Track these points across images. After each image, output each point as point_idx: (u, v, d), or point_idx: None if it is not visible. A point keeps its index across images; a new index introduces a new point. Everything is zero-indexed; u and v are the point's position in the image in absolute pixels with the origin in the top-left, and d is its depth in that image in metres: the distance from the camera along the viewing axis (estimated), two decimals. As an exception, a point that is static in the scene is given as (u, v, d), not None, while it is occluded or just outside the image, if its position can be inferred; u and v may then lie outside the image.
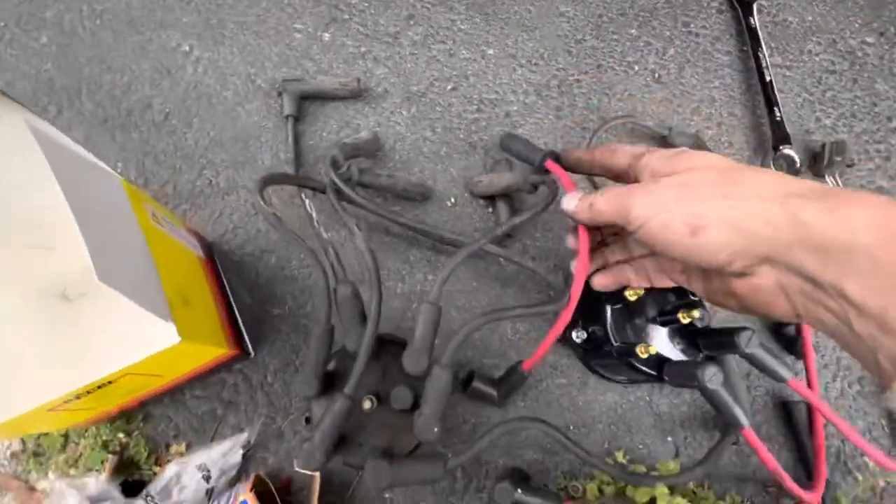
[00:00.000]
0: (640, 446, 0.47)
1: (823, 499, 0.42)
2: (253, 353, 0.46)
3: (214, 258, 0.48)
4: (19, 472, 0.42)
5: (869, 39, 0.72)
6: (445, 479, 0.34)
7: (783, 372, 0.36)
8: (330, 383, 0.38)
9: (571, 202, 0.31)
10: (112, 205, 0.34)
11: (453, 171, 0.55)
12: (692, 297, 0.41)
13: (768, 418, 0.49)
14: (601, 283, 0.32)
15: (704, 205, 0.22)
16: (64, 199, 0.26)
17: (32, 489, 0.42)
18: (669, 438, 0.47)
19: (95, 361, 0.31)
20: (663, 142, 0.58)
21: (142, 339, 0.31)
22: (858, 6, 0.71)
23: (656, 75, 0.65)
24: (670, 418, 0.48)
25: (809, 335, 0.46)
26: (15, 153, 0.29)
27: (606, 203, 0.27)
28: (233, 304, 0.47)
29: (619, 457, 0.45)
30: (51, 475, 0.42)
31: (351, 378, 0.33)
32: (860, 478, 0.45)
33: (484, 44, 0.62)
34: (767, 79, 0.64)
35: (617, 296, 0.41)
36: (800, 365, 0.50)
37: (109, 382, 0.32)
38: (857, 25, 0.71)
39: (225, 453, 0.41)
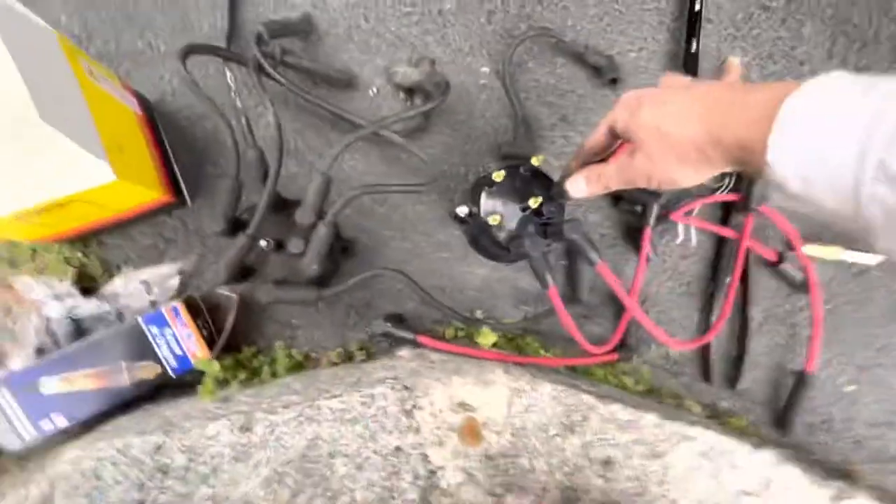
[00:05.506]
0: (498, 310, 0.60)
1: (621, 358, 0.57)
2: (190, 203, 0.56)
3: (154, 117, 0.54)
4: (-2, 274, 0.53)
5: (814, -22, 0.73)
6: (317, 305, 0.46)
7: (593, 256, 0.47)
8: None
9: (580, 189, 0.40)
10: (50, 58, 0.40)
11: (379, 61, 0.60)
12: (550, 193, 0.51)
13: (605, 301, 0.62)
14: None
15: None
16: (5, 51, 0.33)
17: (10, 287, 0.53)
18: (522, 307, 0.61)
19: (41, 187, 0.39)
20: (579, 58, 0.63)
21: (81, 174, 0.40)
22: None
23: (594, -11, 0.67)
24: (527, 293, 0.61)
25: (648, 241, 0.57)
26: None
27: (618, 179, 0.37)
28: (171, 158, 0.55)
29: (479, 314, 0.58)
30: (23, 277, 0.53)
31: (253, 220, 0.43)
32: (653, 347, 0.60)
33: (430, -68, 0.63)
34: (696, 8, 0.67)
35: (490, 180, 0.50)
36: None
37: (61, 206, 0.41)
38: (801, -39, 0.72)
39: (163, 275, 0.52)
